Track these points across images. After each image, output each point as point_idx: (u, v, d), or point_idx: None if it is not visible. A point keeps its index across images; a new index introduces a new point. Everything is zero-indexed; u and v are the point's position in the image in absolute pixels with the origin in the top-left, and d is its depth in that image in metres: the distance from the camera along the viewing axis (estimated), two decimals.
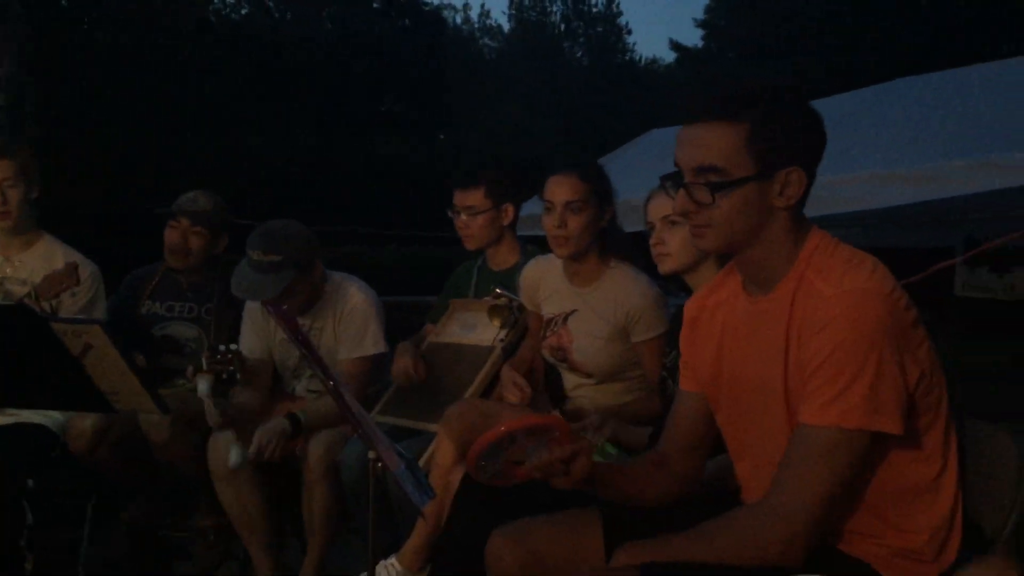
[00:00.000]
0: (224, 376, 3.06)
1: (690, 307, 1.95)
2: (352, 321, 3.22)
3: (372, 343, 3.23)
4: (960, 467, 1.69)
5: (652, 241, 2.50)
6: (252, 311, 3.36)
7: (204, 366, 3.03)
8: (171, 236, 3.56)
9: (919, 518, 1.66)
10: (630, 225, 3.02)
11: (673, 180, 1.70)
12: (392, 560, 2.67)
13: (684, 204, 1.67)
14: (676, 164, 1.69)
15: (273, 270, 3.04)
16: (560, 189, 2.71)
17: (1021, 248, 6.45)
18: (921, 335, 1.62)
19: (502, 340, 3.13)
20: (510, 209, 3.29)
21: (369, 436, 1.73)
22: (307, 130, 21.37)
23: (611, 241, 2.80)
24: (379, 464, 1.75)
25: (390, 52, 23.90)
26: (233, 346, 3.12)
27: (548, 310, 2.92)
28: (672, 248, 2.45)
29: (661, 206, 2.47)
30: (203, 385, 2.99)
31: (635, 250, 2.87)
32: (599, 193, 2.74)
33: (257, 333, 3.34)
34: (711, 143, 1.62)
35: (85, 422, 3.11)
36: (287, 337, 2.65)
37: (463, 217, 3.28)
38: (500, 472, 1.72)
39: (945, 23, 19.01)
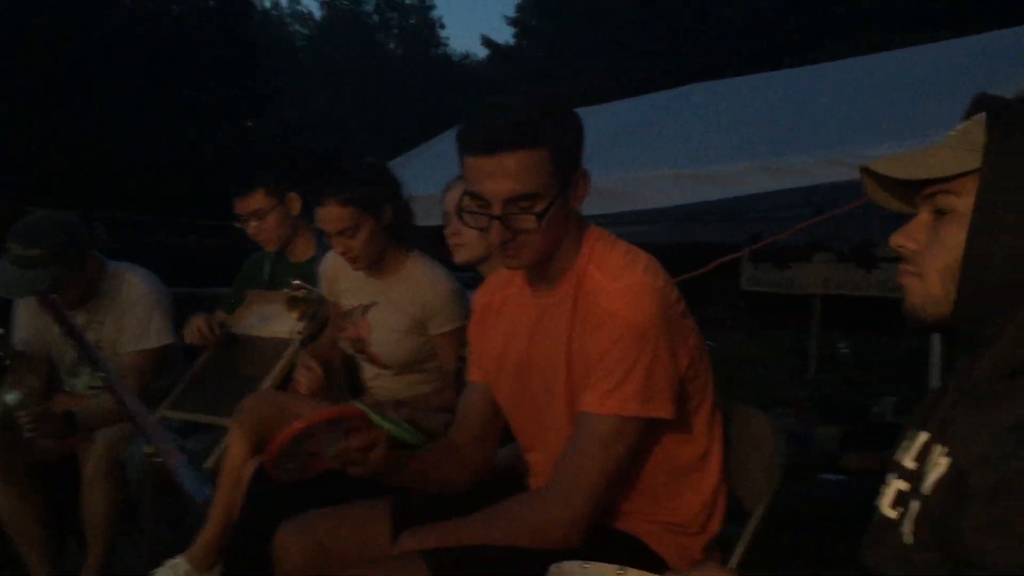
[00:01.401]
0: None
1: (478, 300, 1.99)
2: (134, 312, 3.10)
3: (156, 335, 3.12)
4: (724, 447, 1.82)
5: (448, 231, 2.53)
6: (27, 303, 3.16)
7: None
8: None
9: (688, 495, 1.77)
10: (438, 219, 3.03)
11: (479, 213, 1.66)
12: (179, 559, 2.57)
13: (503, 235, 1.65)
14: (478, 195, 1.65)
15: (34, 265, 2.89)
16: (327, 220, 2.67)
17: (799, 246, 6.94)
18: (690, 325, 1.72)
19: (300, 332, 3.07)
20: (295, 198, 3.24)
21: (146, 430, 1.66)
22: (102, 115, 20.12)
23: (403, 232, 2.80)
24: (157, 459, 1.68)
25: (191, 35, 22.84)
26: (0, 329, 2.94)
27: (347, 302, 2.90)
28: (467, 239, 2.49)
29: (457, 195, 2.50)
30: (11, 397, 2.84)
31: (429, 241, 2.90)
32: (368, 205, 2.68)
33: (32, 326, 3.15)
34: (520, 172, 1.61)
35: None
36: (62, 331, 2.51)
37: (253, 223, 3.21)
38: (300, 467, 1.70)
39: (736, 34, 20.15)
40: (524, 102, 1.68)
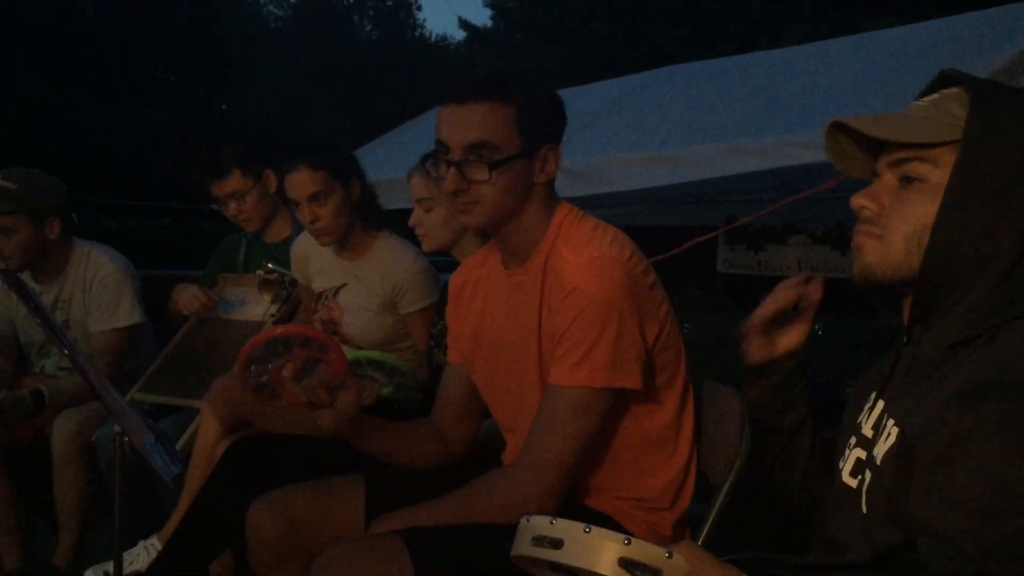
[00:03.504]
0: None
1: (454, 281, 2.01)
2: (103, 291, 3.08)
3: (126, 313, 3.10)
4: (695, 422, 1.83)
5: (410, 221, 2.55)
6: None
7: None
8: None
9: (658, 470, 1.78)
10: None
11: (438, 159, 1.72)
12: (153, 540, 2.59)
13: (456, 183, 1.68)
14: (442, 142, 1.70)
15: (1, 196, 2.91)
16: (298, 185, 2.66)
17: (774, 228, 6.99)
18: (659, 297, 1.74)
19: (273, 315, 3.07)
20: (271, 175, 3.20)
21: (113, 410, 1.66)
22: (72, 95, 19.82)
23: (369, 212, 2.80)
24: (125, 439, 1.69)
25: (162, 14, 22.55)
26: None
27: (319, 284, 2.90)
28: (427, 228, 2.51)
29: (416, 187, 2.53)
30: None
31: (397, 222, 2.90)
32: (338, 173, 2.70)
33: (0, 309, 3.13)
34: (484, 121, 1.66)
35: None
36: (26, 309, 2.50)
37: (232, 204, 3.18)
38: (268, 382, 1.69)
39: (708, 17, 20.17)
40: (499, 66, 1.73)
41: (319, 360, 1.72)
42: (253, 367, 1.66)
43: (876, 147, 1.26)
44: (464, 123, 1.67)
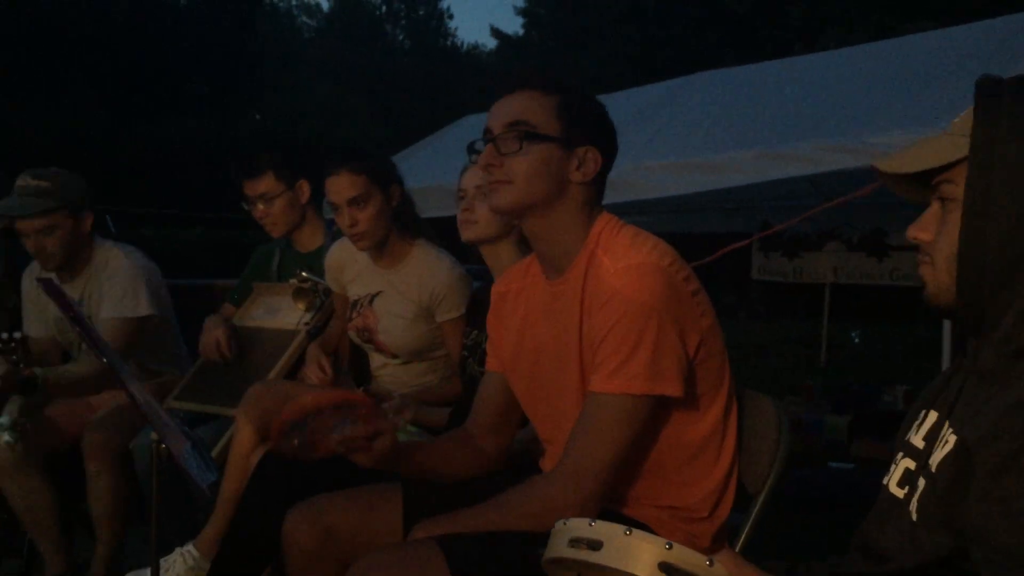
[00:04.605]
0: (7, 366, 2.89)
1: (496, 291, 2.01)
2: (115, 281, 3.09)
3: (135, 305, 3.08)
4: (738, 432, 1.81)
5: (462, 207, 2.53)
6: (29, 291, 3.20)
7: None
8: None
9: (699, 480, 1.76)
10: (446, 209, 3.03)
11: (483, 140, 1.77)
12: (189, 547, 2.60)
13: (489, 156, 1.74)
14: (487, 129, 1.77)
15: (38, 195, 2.95)
16: (339, 188, 2.68)
17: (809, 234, 6.92)
18: (702, 306, 1.72)
19: (307, 324, 3.08)
20: (305, 186, 3.21)
21: (149, 416, 1.67)
22: (109, 107, 20.09)
23: (407, 219, 2.80)
24: (162, 446, 1.69)
25: (198, 26, 22.82)
26: (17, 333, 2.93)
27: (354, 291, 2.90)
28: (480, 216, 2.49)
29: (475, 175, 2.51)
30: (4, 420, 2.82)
31: (434, 229, 2.90)
32: (379, 178, 2.72)
33: (36, 312, 3.18)
34: (525, 104, 1.74)
35: None
36: (61, 312, 2.52)
37: (260, 206, 3.18)
38: (305, 444, 1.70)
39: (742, 22, 20.08)
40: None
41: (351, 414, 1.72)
42: (290, 433, 1.67)
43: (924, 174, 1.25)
44: (507, 107, 1.75)
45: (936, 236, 1.22)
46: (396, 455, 1.76)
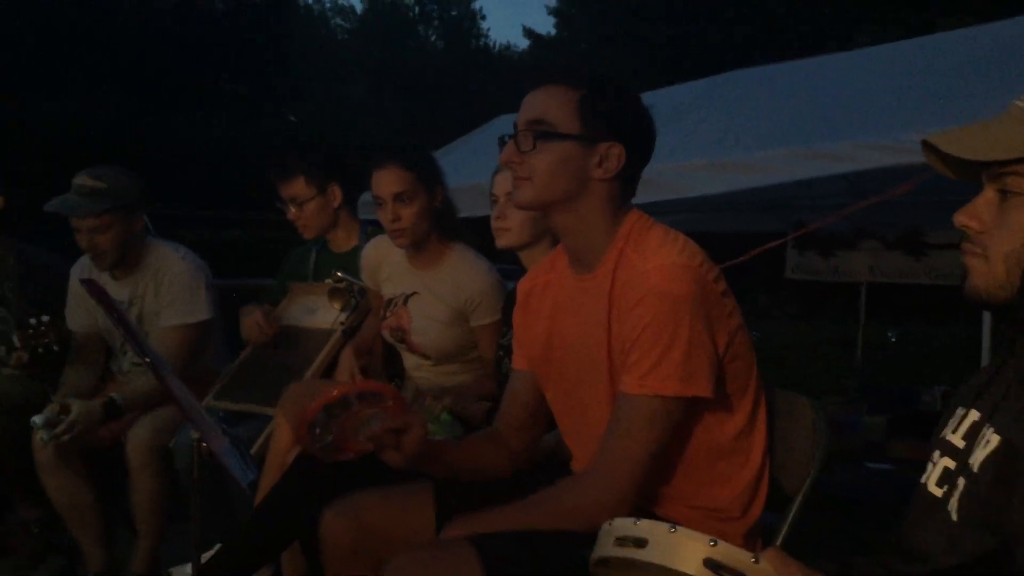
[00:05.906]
0: (40, 350, 2.94)
1: (522, 286, 2.01)
2: (175, 287, 3.12)
3: (198, 309, 3.13)
4: (768, 431, 1.81)
5: (494, 214, 2.54)
6: (75, 287, 3.24)
7: (17, 344, 2.91)
8: None
9: (729, 480, 1.76)
10: (479, 209, 3.03)
11: (508, 136, 1.78)
12: None
13: (509, 153, 1.75)
14: (516, 124, 1.77)
15: (93, 194, 2.99)
16: (386, 182, 2.70)
17: (844, 233, 6.85)
18: (730, 305, 1.72)
19: (342, 323, 3.11)
20: (336, 190, 3.23)
21: (191, 415, 1.69)
22: (144, 108, 20.31)
23: (447, 222, 2.82)
24: (203, 444, 1.72)
25: (233, 29, 23.04)
26: (45, 317, 2.99)
27: (389, 290, 2.92)
28: (512, 223, 2.50)
29: (505, 181, 2.52)
30: (39, 420, 2.86)
31: (471, 232, 2.91)
32: (426, 177, 2.74)
33: (83, 308, 3.22)
34: (545, 101, 1.74)
35: None
36: (108, 318, 2.56)
37: (292, 209, 3.22)
38: (333, 443, 1.71)
39: (775, 19, 19.92)
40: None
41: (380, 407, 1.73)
42: (317, 431, 1.68)
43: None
44: (531, 104, 1.76)
45: (992, 228, 1.16)
46: (426, 454, 1.77)
